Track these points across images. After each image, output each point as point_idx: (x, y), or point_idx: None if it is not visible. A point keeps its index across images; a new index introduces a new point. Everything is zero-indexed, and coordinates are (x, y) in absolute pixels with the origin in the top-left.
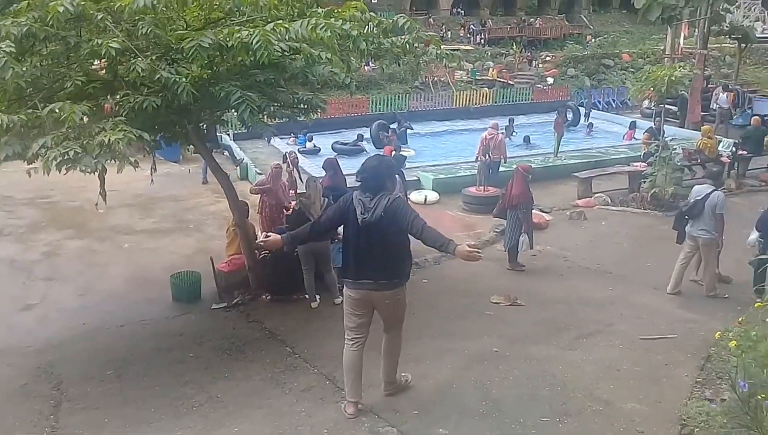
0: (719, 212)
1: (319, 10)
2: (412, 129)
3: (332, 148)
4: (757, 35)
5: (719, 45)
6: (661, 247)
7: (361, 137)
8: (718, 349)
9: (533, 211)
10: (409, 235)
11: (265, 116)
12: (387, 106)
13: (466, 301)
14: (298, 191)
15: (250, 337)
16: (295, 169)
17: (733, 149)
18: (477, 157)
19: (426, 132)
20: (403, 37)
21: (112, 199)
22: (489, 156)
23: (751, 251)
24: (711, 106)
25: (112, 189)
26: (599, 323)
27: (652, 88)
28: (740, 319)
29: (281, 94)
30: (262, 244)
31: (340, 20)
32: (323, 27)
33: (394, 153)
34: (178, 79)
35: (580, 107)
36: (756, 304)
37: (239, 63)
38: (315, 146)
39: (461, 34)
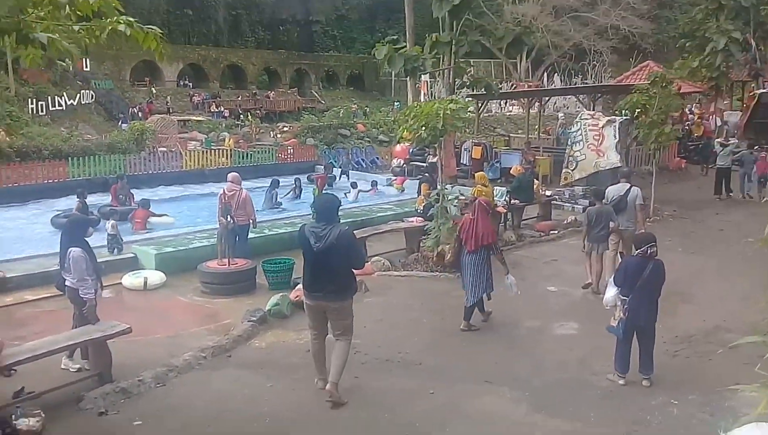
0: (639, 203)
1: None
2: None
3: (52, 223)
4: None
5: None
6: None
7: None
8: None
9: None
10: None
11: None
12: (95, 169)
13: None
14: None
15: None
16: None
17: (507, 198)
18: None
19: (152, 198)
20: None
21: None
22: (232, 218)
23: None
24: (461, 161)
25: None
26: None
27: (422, 128)
28: None
29: None
30: None
31: None
32: None
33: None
34: None
35: (332, 165)
36: None
37: None
38: None
39: (191, 105)
